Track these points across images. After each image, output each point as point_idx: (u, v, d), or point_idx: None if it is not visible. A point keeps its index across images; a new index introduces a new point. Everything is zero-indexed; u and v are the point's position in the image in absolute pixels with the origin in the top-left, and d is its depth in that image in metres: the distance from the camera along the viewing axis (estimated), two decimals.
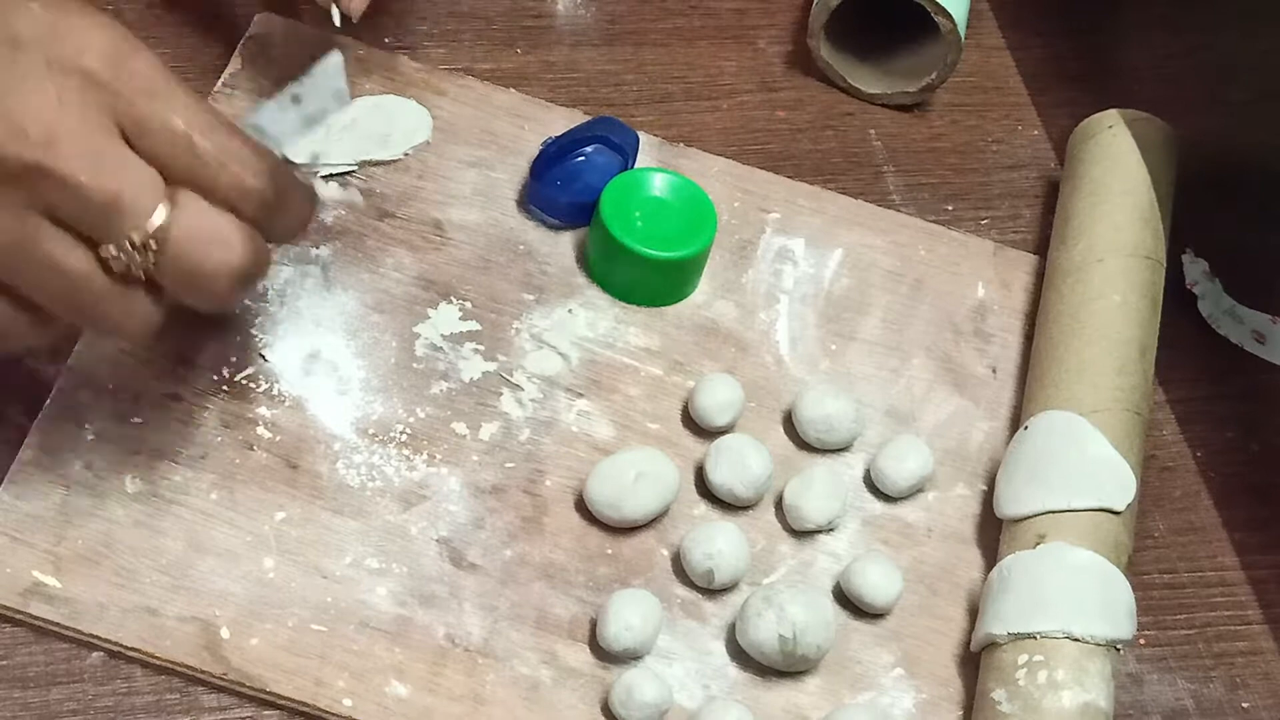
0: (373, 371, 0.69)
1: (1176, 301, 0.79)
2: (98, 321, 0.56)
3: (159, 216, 0.53)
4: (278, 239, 0.58)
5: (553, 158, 0.75)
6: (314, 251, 0.71)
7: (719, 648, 0.66)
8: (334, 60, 0.63)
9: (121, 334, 0.57)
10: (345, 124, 0.75)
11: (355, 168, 0.74)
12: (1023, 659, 0.63)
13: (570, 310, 0.73)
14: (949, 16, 0.80)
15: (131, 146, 0.54)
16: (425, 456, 0.67)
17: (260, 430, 0.66)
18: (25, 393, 0.66)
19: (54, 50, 0.53)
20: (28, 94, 0.52)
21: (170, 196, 0.54)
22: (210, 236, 0.54)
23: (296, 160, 0.73)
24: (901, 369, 0.75)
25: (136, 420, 0.65)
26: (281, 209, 0.57)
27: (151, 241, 0.53)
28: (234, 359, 0.68)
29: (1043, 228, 0.81)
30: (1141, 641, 0.69)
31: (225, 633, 0.62)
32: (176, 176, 0.54)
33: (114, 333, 0.57)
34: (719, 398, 0.70)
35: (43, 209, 0.53)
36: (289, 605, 0.63)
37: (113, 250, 0.53)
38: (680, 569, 0.67)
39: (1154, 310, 0.74)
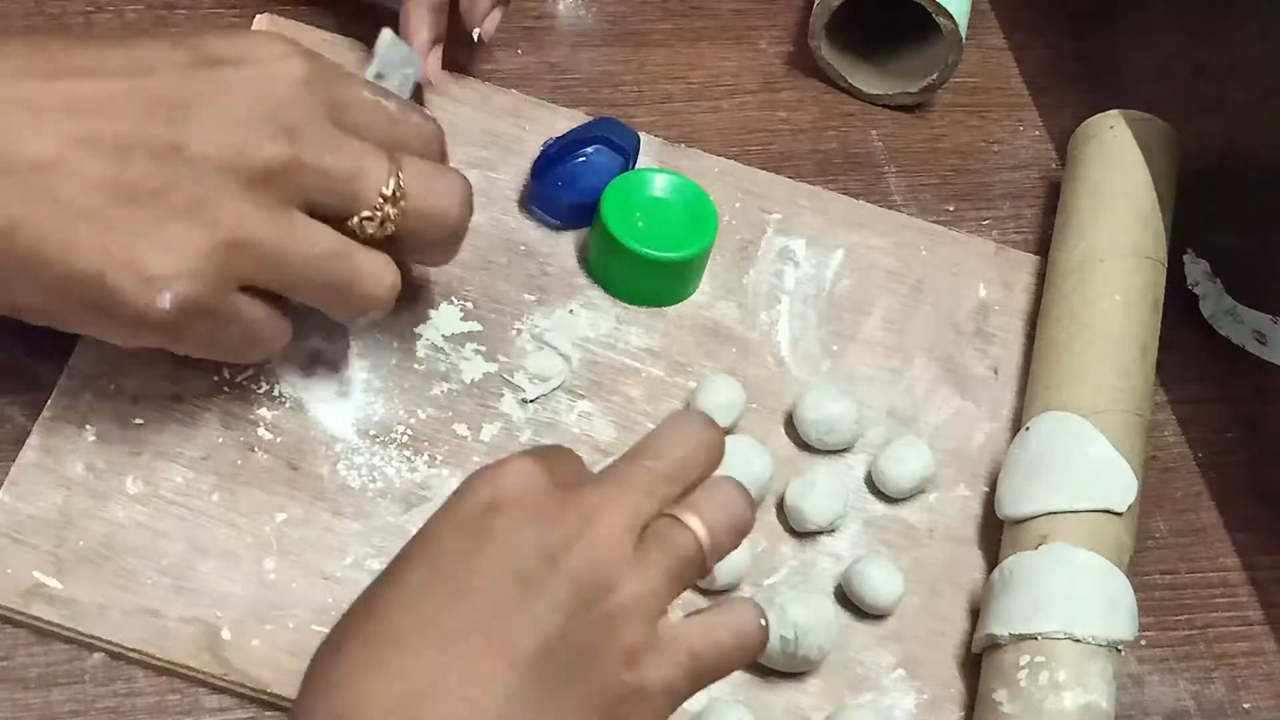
0: (374, 372, 0.69)
1: (1178, 302, 0.79)
2: (353, 294, 0.61)
3: (393, 177, 0.60)
4: None
5: (554, 158, 0.75)
6: None
7: None
8: (386, 35, 0.70)
9: (373, 303, 0.62)
10: None
11: None
12: (1024, 660, 0.63)
13: (571, 311, 0.73)
14: (950, 17, 0.80)
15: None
16: (426, 458, 0.67)
17: (261, 432, 0.66)
18: (26, 394, 0.66)
19: (259, 62, 0.59)
20: (263, 99, 0.58)
21: (393, 159, 0.61)
22: (437, 179, 0.62)
23: None
24: (903, 370, 0.75)
25: (138, 422, 0.65)
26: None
27: (398, 192, 0.60)
28: None
29: (1044, 228, 0.81)
30: (1143, 642, 0.69)
31: (226, 634, 0.62)
32: (385, 144, 0.62)
33: (366, 304, 0.62)
34: (720, 398, 0.70)
35: (298, 201, 0.59)
36: (290, 606, 0.63)
37: (366, 213, 0.60)
38: None
39: (1155, 311, 0.74)
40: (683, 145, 0.79)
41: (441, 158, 0.65)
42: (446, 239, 0.64)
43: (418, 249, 0.64)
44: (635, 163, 0.76)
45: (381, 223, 0.61)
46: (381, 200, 0.60)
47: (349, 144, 0.60)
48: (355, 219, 0.60)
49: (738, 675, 0.65)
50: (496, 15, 0.75)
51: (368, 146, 0.61)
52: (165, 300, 0.57)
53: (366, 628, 0.50)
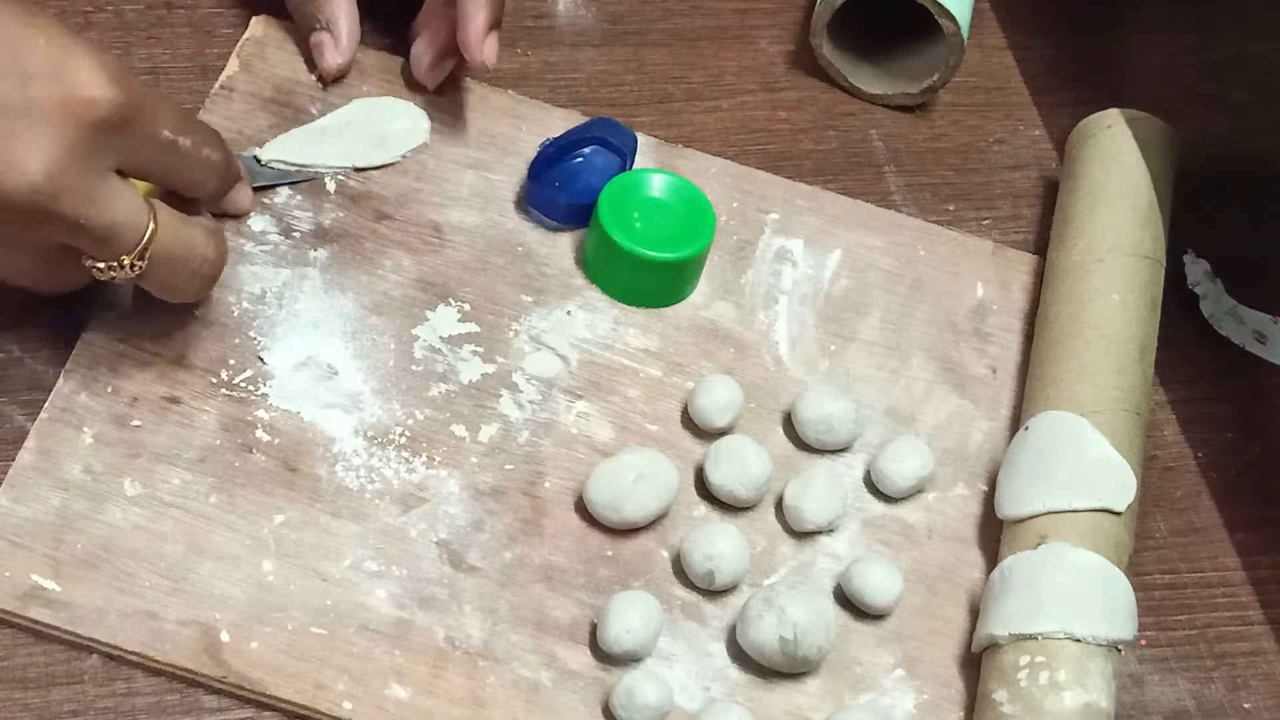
0: (371, 374, 0.69)
1: (1178, 302, 0.79)
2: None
3: (146, 234, 0.61)
4: (231, 207, 0.70)
5: (551, 159, 0.75)
6: (312, 254, 0.71)
7: (719, 649, 0.66)
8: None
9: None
10: (342, 126, 0.75)
11: (353, 170, 0.74)
12: (1024, 660, 0.63)
13: (569, 312, 0.73)
14: (952, 19, 0.80)
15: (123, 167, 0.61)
16: (424, 459, 0.67)
17: (259, 433, 0.66)
18: (24, 395, 0.66)
19: (64, 92, 0.57)
20: (36, 139, 0.57)
21: (152, 213, 0.61)
22: (186, 248, 0.63)
23: (296, 162, 0.73)
24: (901, 369, 0.75)
25: (135, 423, 0.65)
26: (231, 174, 0.68)
27: (139, 260, 0.61)
28: (233, 362, 0.68)
29: (1043, 228, 0.81)
30: (1143, 642, 0.69)
31: (225, 636, 0.62)
32: (159, 176, 0.63)
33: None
34: (718, 399, 0.70)
35: (47, 241, 0.60)
36: (288, 608, 0.63)
37: (101, 267, 0.61)
38: (680, 570, 0.67)
39: (1153, 310, 0.74)
40: (680, 145, 0.79)
41: (223, 181, 0.67)
42: (180, 297, 0.65)
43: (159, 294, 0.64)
44: (633, 163, 0.76)
45: (114, 279, 0.61)
46: (121, 264, 0.61)
47: (114, 199, 0.59)
48: (94, 269, 0.61)
49: (738, 675, 0.65)
50: (494, 41, 0.73)
51: (131, 203, 0.60)
52: None
53: None
